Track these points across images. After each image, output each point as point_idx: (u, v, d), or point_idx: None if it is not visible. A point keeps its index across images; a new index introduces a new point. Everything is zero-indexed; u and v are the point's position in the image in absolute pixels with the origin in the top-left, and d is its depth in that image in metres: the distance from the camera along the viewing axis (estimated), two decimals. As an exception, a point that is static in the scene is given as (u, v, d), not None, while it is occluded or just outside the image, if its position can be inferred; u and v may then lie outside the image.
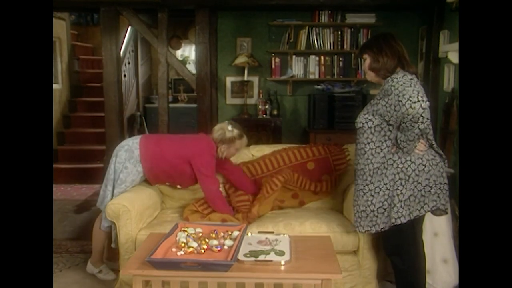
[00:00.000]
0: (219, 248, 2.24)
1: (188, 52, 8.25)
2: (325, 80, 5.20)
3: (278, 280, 2.14)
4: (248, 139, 3.18)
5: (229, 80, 5.40)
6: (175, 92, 7.77)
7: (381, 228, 2.45)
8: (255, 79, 5.36)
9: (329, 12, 5.10)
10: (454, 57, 3.69)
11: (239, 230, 2.44)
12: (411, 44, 4.86)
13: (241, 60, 5.07)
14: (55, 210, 4.55)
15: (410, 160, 2.37)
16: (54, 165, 5.84)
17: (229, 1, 4.64)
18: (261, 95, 5.29)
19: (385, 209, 2.41)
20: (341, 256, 2.67)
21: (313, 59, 5.24)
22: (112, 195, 3.00)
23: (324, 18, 5.12)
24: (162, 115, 4.42)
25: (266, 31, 5.28)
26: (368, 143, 2.44)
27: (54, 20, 6.20)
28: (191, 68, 6.88)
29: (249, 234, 2.49)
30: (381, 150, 2.42)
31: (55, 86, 6.63)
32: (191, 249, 2.22)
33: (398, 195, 2.38)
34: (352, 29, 5.17)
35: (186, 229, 2.44)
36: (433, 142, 2.42)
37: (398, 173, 2.38)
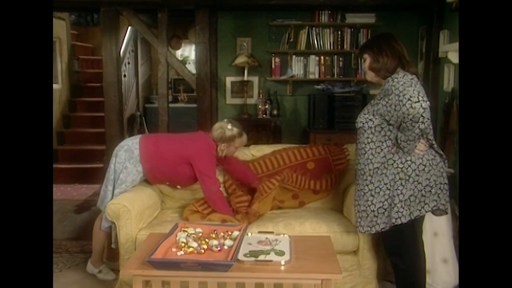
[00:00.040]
0: (219, 248, 2.24)
1: (188, 52, 8.26)
2: (325, 80, 5.20)
3: (278, 280, 2.14)
4: (248, 139, 3.19)
5: (229, 80, 5.40)
6: (175, 92, 7.77)
7: (382, 228, 2.45)
8: (255, 79, 5.36)
9: (329, 12, 5.09)
10: (454, 57, 3.69)
11: (239, 230, 2.44)
12: (411, 44, 4.86)
13: (241, 60, 5.07)
14: (55, 210, 4.55)
15: (411, 160, 2.37)
16: (54, 165, 5.84)
17: (229, 1, 4.64)
18: (261, 95, 5.29)
19: (385, 209, 2.41)
20: (341, 256, 2.67)
21: (313, 59, 5.24)
22: (113, 195, 2.99)
23: (324, 18, 5.11)
24: (162, 115, 4.42)
25: (266, 31, 5.28)
26: (369, 143, 2.44)
27: (54, 20, 6.20)
28: (191, 68, 6.88)
29: (249, 234, 2.49)
30: (381, 150, 2.42)
31: (55, 86, 6.63)
32: (191, 249, 2.22)
33: (398, 195, 2.38)
34: (352, 29, 5.17)
35: (186, 229, 2.44)
36: (433, 142, 2.42)
37: (398, 173, 2.38)
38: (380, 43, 2.45)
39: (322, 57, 5.23)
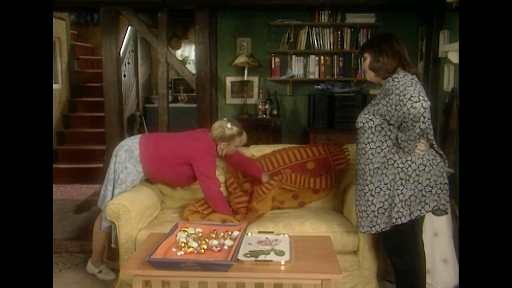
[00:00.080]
0: (219, 248, 2.24)
1: (188, 52, 8.25)
2: (325, 80, 5.20)
3: (278, 280, 2.14)
4: (248, 139, 3.18)
5: (229, 80, 5.40)
6: (175, 92, 7.77)
7: (382, 229, 2.44)
8: (255, 79, 5.36)
9: (329, 12, 5.09)
10: (454, 57, 3.69)
11: (239, 230, 2.44)
12: (411, 44, 4.86)
13: (241, 60, 5.07)
14: (55, 210, 4.55)
15: (411, 160, 2.37)
16: (54, 165, 5.84)
17: (229, 1, 4.64)
18: (261, 95, 5.29)
19: (385, 209, 2.41)
20: (341, 256, 2.67)
21: (313, 59, 5.24)
22: (112, 195, 2.99)
23: (324, 18, 5.11)
24: (162, 115, 4.42)
25: (266, 31, 5.28)
26: (369, 143, 2.44)
27: (54, 20, 6.20)
28: (191, 68, 6.88)
29: (249, 234, 2.49)
30: (382, 150, 2.42)
31: (55, 86, 6.63)
32: (191, 249, 2.22)
33: (398, 195, 2.38)
34: (352, 29, 5.17)
35: (186, 229, 2.44)
36: (434, 142, 2.42)
37: (398, 173, 2.38)
38: (381, 43, 2.45)
39: (322, 57, 5.23)
